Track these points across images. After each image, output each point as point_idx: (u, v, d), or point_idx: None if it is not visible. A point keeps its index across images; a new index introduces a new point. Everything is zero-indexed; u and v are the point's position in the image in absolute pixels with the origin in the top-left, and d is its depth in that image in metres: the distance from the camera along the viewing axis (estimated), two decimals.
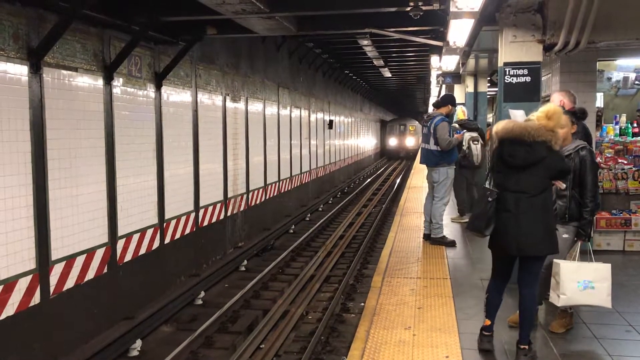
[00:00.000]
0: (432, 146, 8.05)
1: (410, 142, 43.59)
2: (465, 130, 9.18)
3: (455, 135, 8.16)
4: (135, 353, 6.95)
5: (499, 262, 4.51)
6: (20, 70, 5.90)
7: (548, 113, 4.45)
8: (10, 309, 5.75)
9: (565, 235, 4.78)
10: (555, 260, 4.59)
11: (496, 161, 4.42)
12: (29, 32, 6.02)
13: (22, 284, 5.93)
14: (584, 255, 4.73)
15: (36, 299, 6.14)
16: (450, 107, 8.29)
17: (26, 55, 5.97)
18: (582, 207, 4.73)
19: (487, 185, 4.48)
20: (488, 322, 4.50)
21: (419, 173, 18.63)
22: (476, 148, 9.23)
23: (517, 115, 4.50)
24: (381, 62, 19.99)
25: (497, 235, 4.29)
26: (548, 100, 5.75)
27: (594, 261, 4.67)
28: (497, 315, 4.60)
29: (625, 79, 9.89)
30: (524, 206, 4.20)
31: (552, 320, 5.00)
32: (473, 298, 5.78)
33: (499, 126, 4.38)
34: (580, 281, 4.52)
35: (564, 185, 4.68)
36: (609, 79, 9.98)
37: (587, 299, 4.57)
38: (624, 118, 9.48)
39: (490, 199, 4.24)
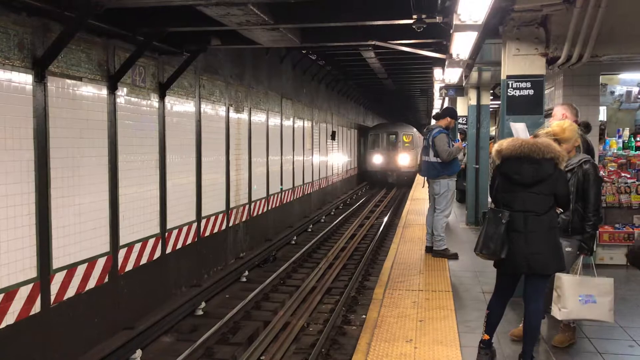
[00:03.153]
0: (432, 158, 8.07)
1: (404, 160, 29.26)
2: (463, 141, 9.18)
3: (455, 144, 8.17)
4: None
5: (504, 279, 4.48)
6: (24, 79, 5.93)
7: (564, 125, 4.52)
8: (10, 318, 5.73)
9: (568, 249, 4.75)
10: (557, 273, 4.56)
11: (500, 180, 4.38)
12: (34, 42, 6.05)
13: (23, 293, 5.92)
14: (587, 269, 4.71)
15: (37, 307, 6.13)
16: (449, 119, 8.31)
17: (31, 64, 6.00)
18: (585, 220, 4.72)
19: (491, 206, 4.45)
20: (487, 337, 4.47)
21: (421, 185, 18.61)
22: None
23: (519, 129, 4.50)
24: (384, 74, 20.06)
25: (507, 254, 4.24)
26: (551, 114, 5.75)
27: (597, 275, 4.64)
28: (500, 329, 4.57)
29: (629, 92, 9.91)
30: (532, 225, 4.17)
31: (554, 334, 4.97)
32: (475, 311, 5.75)
33: (503, 144, 4.34)
34: (582, 295, 4.50)
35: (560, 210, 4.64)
36: (612, 92, 9.99)
37: (589, 313, 4.54)
38: (627, 132, 9.47)
39: (504, 221, 4.18)
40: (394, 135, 30.16)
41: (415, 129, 31.23)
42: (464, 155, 11.76)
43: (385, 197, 25.68)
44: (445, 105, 16.18)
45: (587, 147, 5.29)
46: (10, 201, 5.74)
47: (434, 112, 20.43)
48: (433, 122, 8.65)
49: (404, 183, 28.29)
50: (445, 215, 8.09)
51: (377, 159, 29.98)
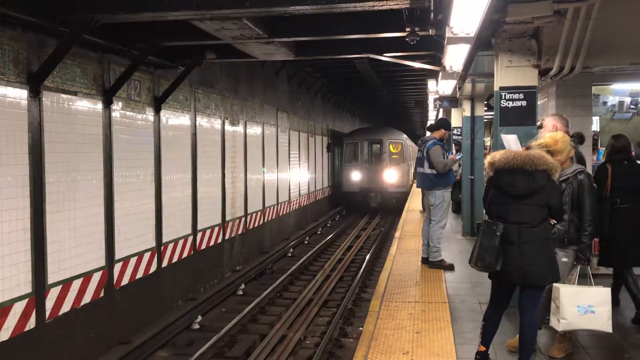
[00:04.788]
0: (427, 170, 8.09)
1: (392, 176, 22.42)
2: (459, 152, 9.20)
3: (450, 156, 8.19)
4: None
5: (499, 291, 4.48)
6: (19, 94, 5.94)
7: (556, 136, 4.55)
8: (5, 334, 5.69)
9: (564, 259, 4.77)
10: (555, 284, 4.57)
11: (494, 192, 4.39)
12: (29, 57, 6.07)
13: (18, 308, 5.88)
14: (583, 279, 4.71)
15: (31, 323, 6.09)
16: (443, 131, 8.35)
17: (26, 80, 6.02)
18: (581, 231, 4.73)
19: (485, 218, 4.46)
20: (483, 349, 4.47)
21: (419, 195, 18.63)
22: None
23: (510, 141, 4.52)
24: (380, 86, 20.16)
25: (501, 266, 4.24)
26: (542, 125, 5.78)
27: (594, 285, 4.65)
28: (496, 340, 4.57)
29: (621, 103, 9.95)
30: (526, 237, 4.18)
31: (551, 344, 4.97)
32: (471, 322, 5.74)
33: (496, 156, 4.36)
34: (580, 305, 4.50)
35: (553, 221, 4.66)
36: (605, 103, 10.04)
37: (588, 323, 4.54)
38: None
39: (498, 233, 4.20)
40: (378, 144, 23.00)
41: (405, 136, 24.37)
42: (459, 166, 11.79)
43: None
44: (440, 116, 16.25)
45: (579, 158, 5.31)
46: (5, 216, 5.72)
47: (429, 123, 20.51)
48: (428, 133, 8.68)
49: (392, 208, 21.57)
50: (441, 227, 8.09)
51: (355, 176, 22.71)
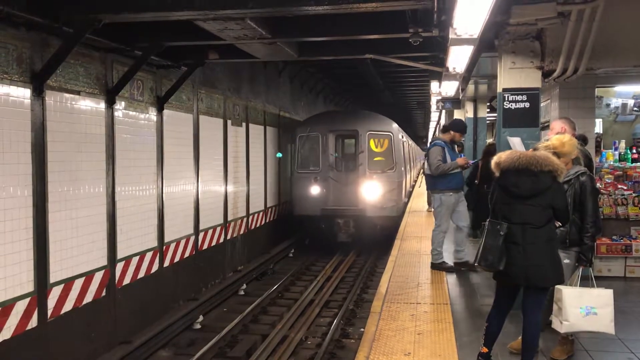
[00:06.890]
0: (427, 170, 8.08)
1: (374, 191, 13.50)
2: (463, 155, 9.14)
3: (457, 160, 8.01)
4: None
5: (503, 292, 4.48)
6: (23, 93, 5.94)
7: (563, 139, 4.54)
8: (6, 333, 5.69)
9: (566, 261, 4.75)
10: (557, 286, 4.56)
11: (499, 193, 4.39)
12: (33, 56, 6.08)
13: (20, 307, 5.89)
14: (585, 281, 4.70)
15: (33, 322, 6.09)
16: (452, 133, 8.21)
17: (29, 79, 6.03)
18: (583, 232, 4.72)
19: (491, 218, 4.46)
20: (485, 350, 4.46)
21: (421, 196, 18.63)
22: None
23: (516, 143, 4.51)
24: (382, 87, 20.14)
25: (505, 266, 4.25)
26: (547, 127, 5.77)
27: (596, 287, 4.64)
28: (499, 341, 4.56)
29: (624, 105, 9.96)
30: (530, 238, 4.18)
31: (553, 346, 4.95)
32: (473, 324, 5.73)
33: (502, 156, 4.37)
34: (583, 307, 4.48)
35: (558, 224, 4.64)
36: (608, 105, 10.05)
37: (590, 325, 4.53)
38: (623, 144, 9.52)
39: (502, 233, 4.20)
40: (352, 139, 14.75)
41: (395, 125, 14.91)
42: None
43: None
44: (443, 117, 16.21)
45: (587, 162, 5.30)
46: (8, 215, 5.73)
47: (432, 124, 20.41)
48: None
49: (376, 242, 13.92)
50: (442, 231, 8.05)
51: (314, 191, 13.93)
